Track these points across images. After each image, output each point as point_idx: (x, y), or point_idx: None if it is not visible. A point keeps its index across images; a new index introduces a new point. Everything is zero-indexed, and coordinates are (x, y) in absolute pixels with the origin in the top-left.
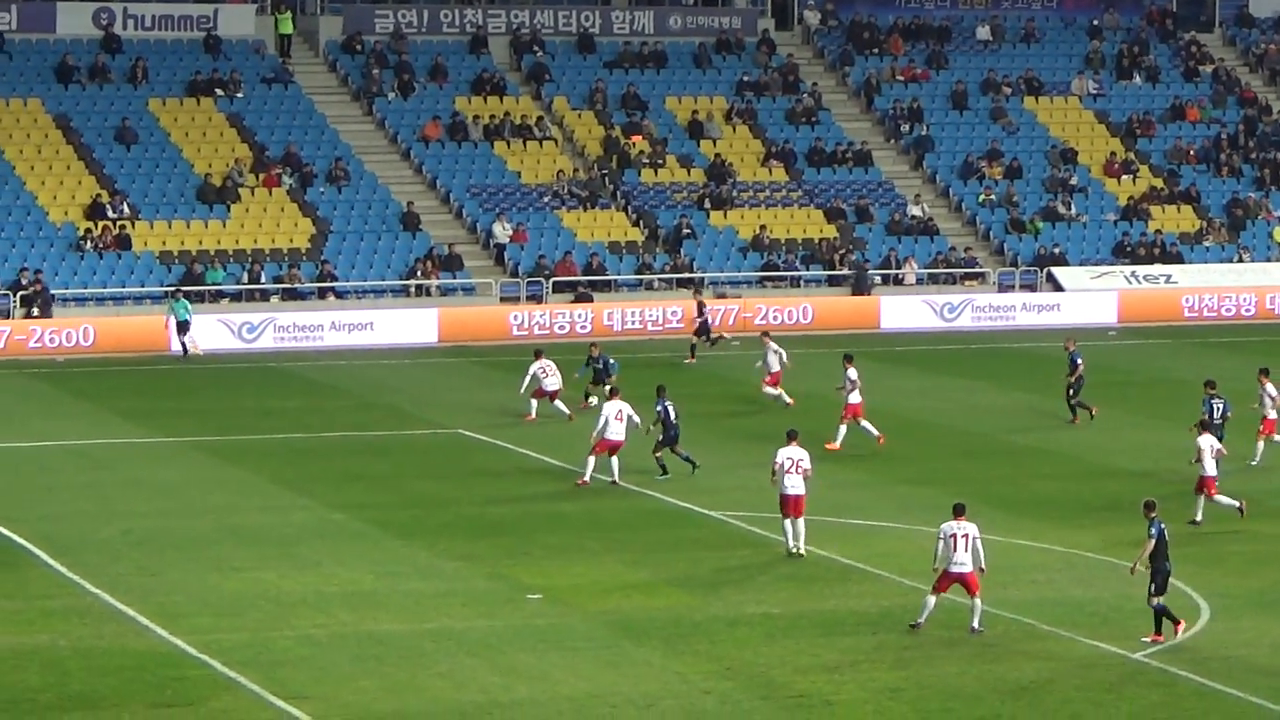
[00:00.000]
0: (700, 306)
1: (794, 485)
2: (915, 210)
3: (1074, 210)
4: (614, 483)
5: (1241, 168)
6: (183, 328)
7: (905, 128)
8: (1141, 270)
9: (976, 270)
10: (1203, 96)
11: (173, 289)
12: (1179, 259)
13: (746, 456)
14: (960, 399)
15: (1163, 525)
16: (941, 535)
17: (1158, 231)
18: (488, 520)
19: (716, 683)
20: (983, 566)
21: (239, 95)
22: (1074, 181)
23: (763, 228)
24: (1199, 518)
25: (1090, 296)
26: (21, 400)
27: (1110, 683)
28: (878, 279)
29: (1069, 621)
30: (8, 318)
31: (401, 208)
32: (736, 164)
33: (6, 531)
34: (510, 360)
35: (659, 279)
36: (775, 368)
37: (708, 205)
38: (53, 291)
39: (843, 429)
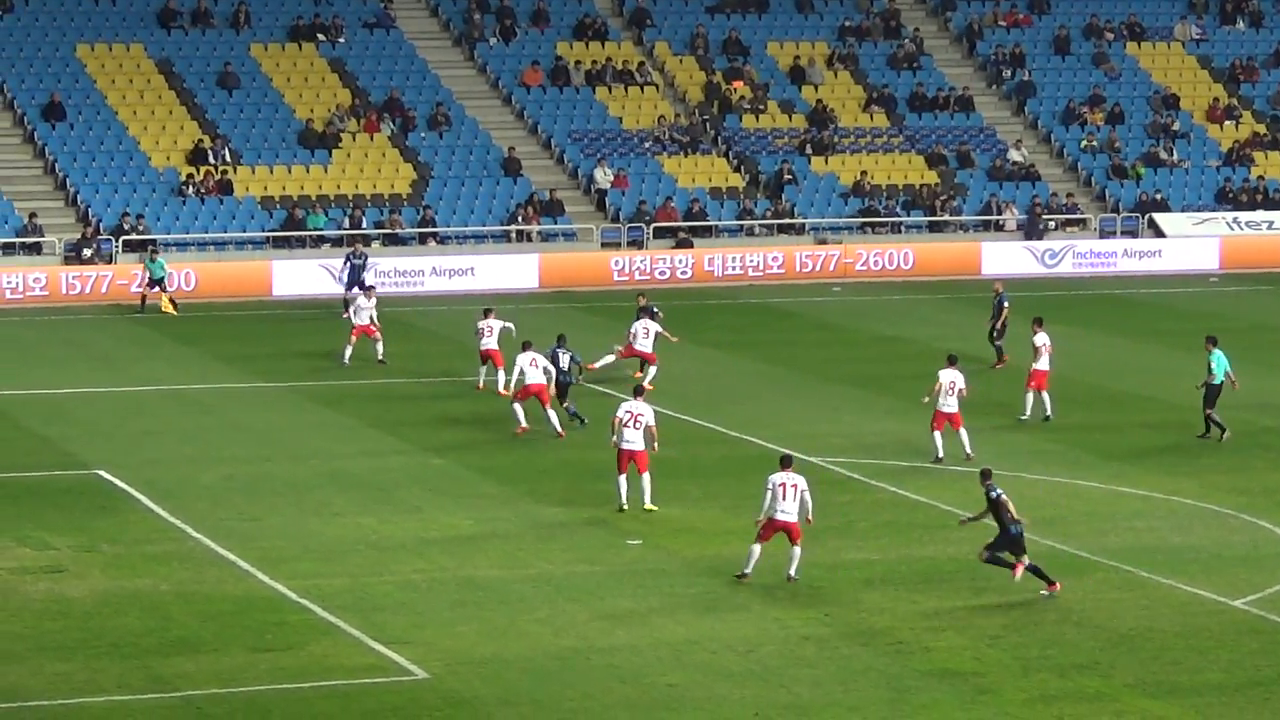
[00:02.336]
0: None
1: (632, 440)
2: (1016, 156)
3: (1176, 156)
4: (558, 435)
5: None
6: (158, 284)
7: (1007, 73)
8: (1244, 216)
9: (1078, 216)
10: None
11: (150, 250)
12: None
13: (846, 402)
14: (1061, 345)
15: (997, 491)
16: (769, 486)
17: (1260, 177)
18: (588, 465)
19: (816, 629)
20: (809, 518)
21: (341, 40)
22: (1176, 127)
23: (864, 173)
24: (940, 454)
25: (1192, 242)
26: (123, 345)
27: (1210, 630)
28: (1052, 224)
29: (1168, 568)
30: (110, 262)
31: (502, 153)
32: (838, 109)
33: (109, 476)
34: (612, 306)
35: (760, 225)
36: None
37: (809, 151)
38: (154, 236)
39: (653, 370)
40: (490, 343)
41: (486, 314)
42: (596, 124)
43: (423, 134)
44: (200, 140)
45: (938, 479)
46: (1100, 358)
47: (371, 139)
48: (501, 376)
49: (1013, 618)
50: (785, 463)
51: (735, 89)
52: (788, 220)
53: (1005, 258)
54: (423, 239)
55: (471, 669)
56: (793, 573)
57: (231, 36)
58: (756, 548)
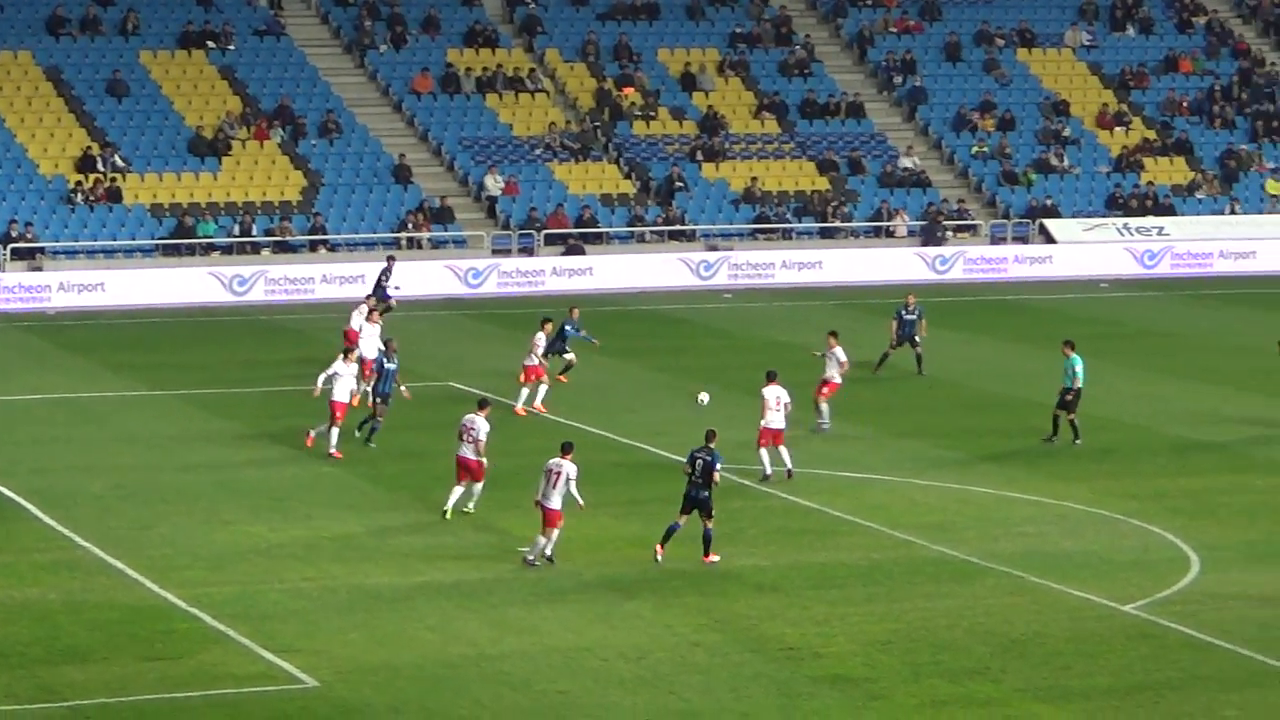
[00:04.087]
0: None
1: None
2: (907, 162)
3: (1067, 162)
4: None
5: (1234, 119)
6: None
7: (898, 79)
8: (1134, 222)
9: (969, 222)
10: (1196, 48)
11: None
12: (1171, 211)
13: (738, 409)
14: (953, 352)
15: (703, 460)
16: (545, 469)
17: (1150, 183)
18: None
19: (706, 635)
20: (580, 504)
21: (231, 47)
22: (1067, 133)
23: (754, 180)
24: (769, 470)
25: (1082, 248)
26: (12, 353)
27: (1100, 635)
28: (950, 232)
29: (1058, 573)
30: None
31: (393, 160)
32: (729, 116)
33: None
34: (503, 314)
35: (651, 231)
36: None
37: (700, 157)
38: (43, 244)
39: (525, 391)
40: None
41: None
42: (487, 131)
43: (313, 141)
44: (89, 147)
45: (829, 486)
46: (991, 363)
47: (261, 146)
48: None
49: (904, 623)
50: (565, 449)
51: (626, 96)
52: (679, 227)
53: (896, 264)
54: (313, 246)
55: (362, 677)
56: (536, 557)
57: (120, 44)
58: (541, 537)
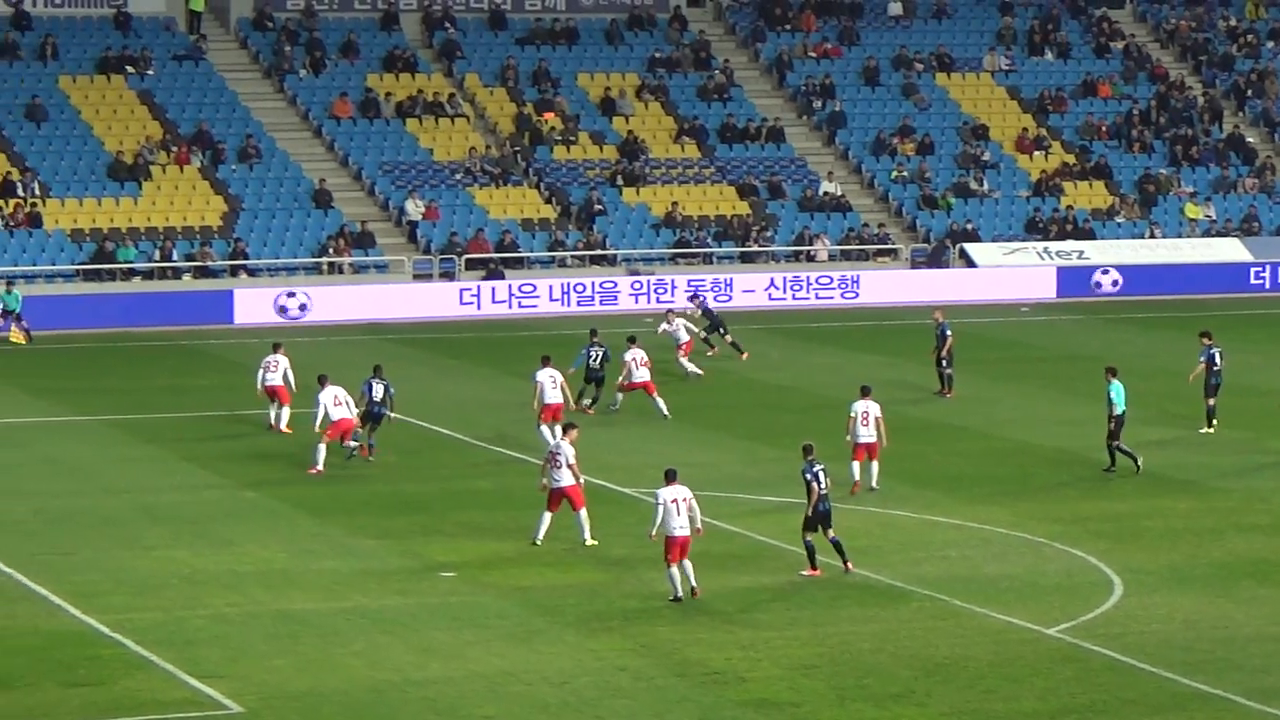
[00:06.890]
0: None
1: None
2: (827, 187)
3: (986, 186)
4: (350, 456)
5: (1153, 144)
6: (14, 316)
7: (817, 104)
8: (1054, 246)
9: (889, 246)
10: (1114, 72)
11: (6, 280)
12: (1091, 235)
13: (661, 432)
14: (873, 375)
15: (817, 469)
16: (659, 501)
17: (1069, 207)
18: (402, 498)
19: (631, 660)
20: (699, 528)
21: (149, 72)
22: (986, 157)
23: (675, 204)
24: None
25: (1002, 272)
26: None
27: (1024, 658)
28: (953, 254)
29: (982, 597)
30: None
31: (313, 185)
32: (648, 140)
33: None
34: (425, 338)
35: (571, 256)
36: (685, 338)
37: (620, 182)
38: None
39: (619, 396)
40: (275, 379)
41: (276, 348)
42: (407, 156)
43: (233, 166)
44: (9, 173)
45: (750, 509)
46: (913, 387)
47: (181, 171)
48: (286, 412)
49: (828, 647)
50: (670, 477)
51: (546, 120)
52: (599, 251)
53: (815, 288)
54: (234, 271)
55: (287, 703)
56: (694, 585)
57: (39, 69)
58: (673, 569)
